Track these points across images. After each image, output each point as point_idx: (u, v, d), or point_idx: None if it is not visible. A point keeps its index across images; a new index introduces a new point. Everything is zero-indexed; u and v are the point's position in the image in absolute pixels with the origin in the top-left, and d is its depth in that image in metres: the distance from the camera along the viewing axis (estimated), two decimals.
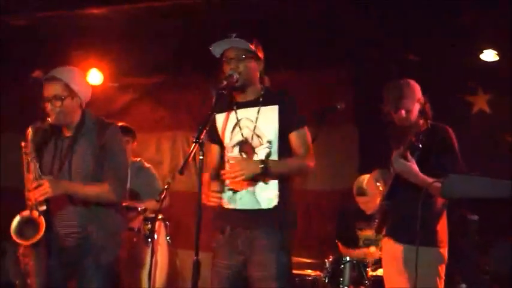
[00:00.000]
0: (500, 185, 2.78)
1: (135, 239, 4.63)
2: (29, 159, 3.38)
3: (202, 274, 2.89)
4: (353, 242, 4.87)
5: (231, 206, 3.24)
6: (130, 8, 5.23)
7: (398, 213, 3.57)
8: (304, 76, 5.81)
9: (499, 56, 5.10)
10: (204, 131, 2.94)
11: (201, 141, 2.89)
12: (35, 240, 3.26)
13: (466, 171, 3.36)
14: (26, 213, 3.30)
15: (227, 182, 3.20)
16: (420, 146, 3.36)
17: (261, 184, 3.18)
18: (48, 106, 3.42)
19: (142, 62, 5.96)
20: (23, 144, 3.40)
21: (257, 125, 3.21)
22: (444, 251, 3.56)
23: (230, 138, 3.28)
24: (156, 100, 6.55)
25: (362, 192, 4.64)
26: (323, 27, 5.23)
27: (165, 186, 4.07)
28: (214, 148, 3.41)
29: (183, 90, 6.40)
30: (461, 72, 5.25)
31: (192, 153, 2.89)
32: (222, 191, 3.18)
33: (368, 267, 4.46)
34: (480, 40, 5.09)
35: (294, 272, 4.25)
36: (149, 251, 4.46)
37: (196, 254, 2.88)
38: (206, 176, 3.26)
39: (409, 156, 3.43)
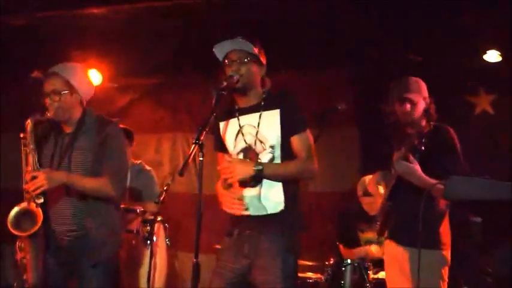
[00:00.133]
0: (503, 187, 2.76)
1: (133, 241, 4.61)
2: (28, 150, 3.38)
3: (202, 277, 2.86)
4: (353, 244, 4.85)
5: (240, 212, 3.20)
6: (130, 8, 5.22)
7: (400, 215, 3.56)
8: (304, 76, 5.80)
9: (502, 57, 5.08)
10: (204, 132, 2.92)
11: (201, 142, 2.87)
12: (32, 231, 3.24)
13: (469, 173, 3.34)
14: (24, 205, 3.31)
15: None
16: (423, 148, 3.34)
17: (266, 189, 3.15)
18: (47, 101, 3.42)
19: (142, 62, 5.94)
20: (22, 135, 3.39)
21: (259, 130, 3.19)
22: (447, 254, 3.54)
23: (234, 146, 3.27)
24: (155, 101, 6.53)
25: (367, 193, 4.62)
26: (323, 27, 5.22)
27: (164, 188, 4.06)
28: (224, 157, 3.36)
29: (183, 90, 6.39)
30: (464, 73, 5.23)
31: (192, 155, 2.86)
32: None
33: (369, 270, 4.44)
34: (482, 40, 5.08)
35: None
36: (148, 253, 4.44)
37: (196, 257, 2.85)
38: (219, 183, 3.26)
39: (411, 158, 3.41)
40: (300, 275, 4.64)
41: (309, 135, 3.21)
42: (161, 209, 4.27)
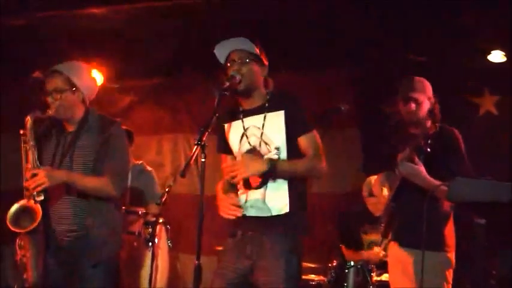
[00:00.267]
0: (507, 188, 2.76)
1: (135, 243, 4.60)
2: (28, 147, 3.37)
3: (203, 278, 2.85)
4: (357, 246, 4.83)
5: (242, 213, 3.19)
6: (130, 8, 5.20)
7: (404, 216, 3.55)
8: (305, 77, 5.78)
9: (507, 57, 5.07)
10: (206, 133, 2.90)
11: (202, 143, 2.85)
12: (31, 227, 3.23)
13: (474, 174, 3.33)
14: (23, 202, 3.30)
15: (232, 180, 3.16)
16: (428, 149, 3.32)
17: (271, 191, 3.13)
18: (49, 99, 3.41)
19: (142, 63, 5.93)
20: (21, 132, 3.38)
21: (264, 132, 3.18)
22: (451, 256, 3.53)
23: (239, 148, 3.25)
24: (156, 102, 6.50)
25: (373, 194, 4.61)
26: (323, 27, 5.20)
27: (166, 189, 4.04)
28: (227, 159, 3.36)
29: (184, 91, 6.37)
30: (468, 74, 5.22)
31: (194, 156, 2.84)
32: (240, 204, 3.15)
33: (373, 272, 4.42)
34: (484, 41, 5.06)
35: None
36: (150, 255, 4.40)
37: (198, 258, 2.84)
38: (220, 186, 3.26)
39: (416, 159, 3.40)
40: (302, 277, 4.62)
41: (315, 134, 3.19)
42: (163, 211, 4.25)
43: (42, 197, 3.28)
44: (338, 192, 5.67)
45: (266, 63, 3.27)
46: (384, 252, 4.38)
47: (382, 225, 3.68)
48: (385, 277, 4.30)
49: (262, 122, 3.18)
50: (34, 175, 3.24)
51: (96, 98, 3.65)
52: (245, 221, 3.17)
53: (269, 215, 3.14)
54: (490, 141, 5.09)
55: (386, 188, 3.75)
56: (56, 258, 3.36)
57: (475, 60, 5.17)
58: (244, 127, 3.23)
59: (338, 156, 5.65)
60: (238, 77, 3.13)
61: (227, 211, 3.11)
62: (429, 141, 3.32)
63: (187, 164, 2.85)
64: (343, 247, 4.91)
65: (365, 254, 4.64)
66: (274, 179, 3.11)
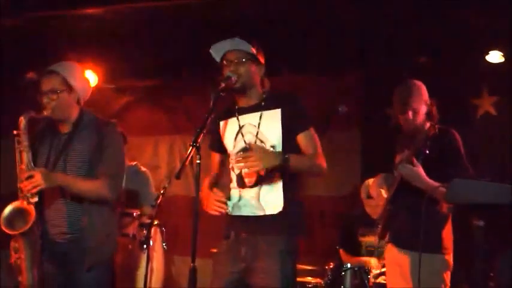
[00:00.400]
0: (506, 190, 2.74)
1: (130, 246, 4.59)
2: (22, 148, 3.34)
3: (198, 281, 2.82)
4: (355, 249, 4.80)
5: (236, 213, 3.18)
6: (127, 8, 5.18)
7: (401, 218, 3.54)
8: (307, 79, 5.78)
9: (505, 58, 5.05)
10: (202, 135, 2.88)
11: (198, 144, 2.84)
12: (25, 228, 3.19)
13: (473, 176, 3.31)
14: (17, 203, 3.26)
15: (235, 174, 3.15)
16: (427, 151, 3.31)
17: (265, 189, 3.11)
18: (44, 100, 3.38)
19: (139, 64, 5.92)
20: (15, 132, 3.34)
21: (260, 130, 3.15)
22: (449, 258, 3.52)
23: (234, 146, 3.23)
24: (152, 103, 6.50)
25: (371, 196, 4.59)
26: (324, 27, 5.18)
27: (161, 191, 4.02)
28: (216, 156, 3.36)
29: (180, 92, 6.36)
30: (466, 75, 5.20)
31: (189, 157, 2.82)
32: (227, 200, 3.12)
33: (370, 275, 4.39)
34: (482, 41, 5.04)
35: None
36: (145, 257, 4.38)
37: (193, 261, 2.81)
38: (206, 182, 3.23)
39: (415, 161, 3.38)
40: (299, 279, 4.60)
41: (314, 133, 3.18)
42: (158, 213, 4.22)
43: (36, 199, 3.24)
44: (337, 195, 5.65)
45: (263, 62, 3.25)
46: (381, 263, 4.37)
47: (379, 226, 3.66)
48: (382, 279, 4.28)
49: (258, 120, 3.16)
50: (30, 176, 3.20)
51: (91, 98, 3.63)
52: (238, 221, 3.15)
53: (262, 214, 3.11)
54: (488, 142, 5.07)
55: (384, 190, 3.74)
56: (51, 261, 3.33)
57: (473, 60, 5.15)
58: (239, 125, 3.21)
59: (338, 159, 5.63)
60: (234, 78, 3.11)
61: (212, 207, 3.07)
62: (428, 143, 3.31)
63: (183, 166, 2.83)
64: (341, 251, 4.88)
65: (362, 261, 4.61)
66: (284, 171, 3.06)
